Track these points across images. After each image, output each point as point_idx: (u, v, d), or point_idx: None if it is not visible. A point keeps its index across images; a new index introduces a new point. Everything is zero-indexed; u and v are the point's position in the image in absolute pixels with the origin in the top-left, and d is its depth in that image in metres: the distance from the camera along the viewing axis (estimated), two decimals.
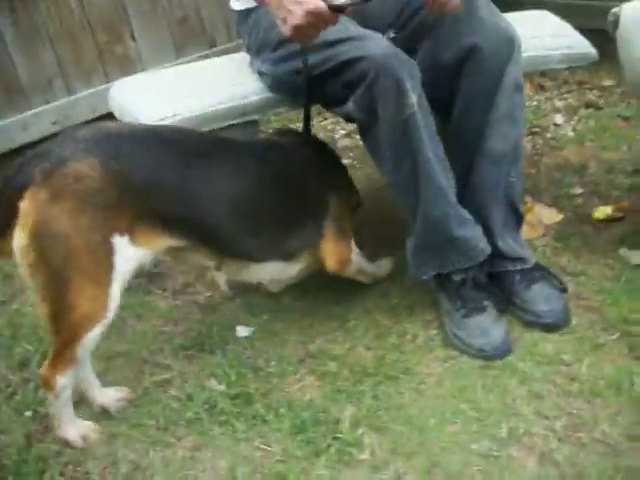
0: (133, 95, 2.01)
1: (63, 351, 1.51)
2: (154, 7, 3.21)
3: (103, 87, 3.02)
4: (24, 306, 2.18)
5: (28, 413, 1.76)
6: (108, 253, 1.45)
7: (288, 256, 1.79)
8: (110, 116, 2.81)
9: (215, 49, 3.36)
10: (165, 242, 1.56)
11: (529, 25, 2.10)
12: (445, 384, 1.69)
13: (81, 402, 1.74)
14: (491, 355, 1.73)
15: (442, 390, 1.67)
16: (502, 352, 1.74)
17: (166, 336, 1.98)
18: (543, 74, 3.25)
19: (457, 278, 1.82)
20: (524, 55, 1.80)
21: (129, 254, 1.49)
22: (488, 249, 1.81)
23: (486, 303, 1.81)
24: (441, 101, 1.81)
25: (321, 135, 2.97)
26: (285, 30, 1.52)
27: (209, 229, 1.60)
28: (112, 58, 3.12)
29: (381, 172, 1.82)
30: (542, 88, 3.30)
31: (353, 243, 1.90)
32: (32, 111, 2.92)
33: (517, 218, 1.90)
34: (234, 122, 1.87)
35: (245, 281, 1.84)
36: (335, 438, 1.56)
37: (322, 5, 1.47)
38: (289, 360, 1.82)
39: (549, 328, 1.80)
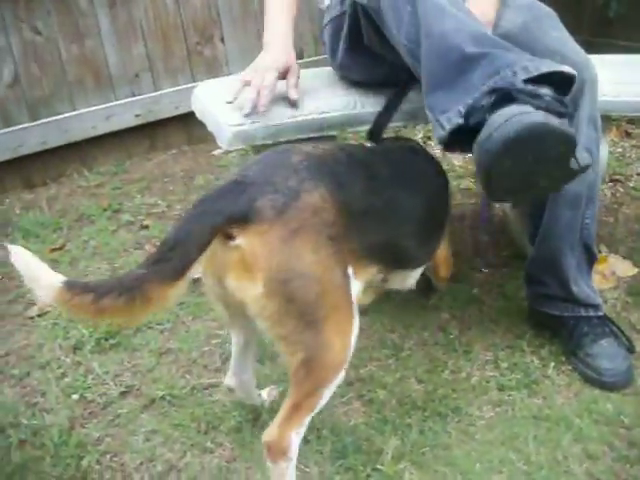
0: (216, 97, 2.02)
1: (304, 403, 1.32)
2: (245, 12, 3.27)
3: (188, 86, 3.09)
4: None
5: (75, 396, 1.79)
6: (348, 287, 1.33)
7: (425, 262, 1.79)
8: (192, 115, 2.87)
9: (301, 61, 3.37)
10: (370, 271, 1.46)
11: (620, 68, 2.03)
12: (495, 430, 1.62)
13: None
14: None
15: (491, 435, 1.61)
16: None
17: (219, 340, 1.97)
18: (631, 121, 3.15)
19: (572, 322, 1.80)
20: (611, 99, 1.73)
21: (354, 288, 1.37)
22: (540, 68, 1.34)
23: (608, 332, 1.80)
24: None
25: None
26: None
27: (402, 249, 1.55)
28: (200, 59, 3.19)
29: (401, 52, 1.58)
30: (628, 135, 3.19)
31: None
32: (117, 102, 3.01)
33: (591, 261, 1.82)
34: (312, 135, 1.86)
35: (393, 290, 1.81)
36: (375, 469, 1.52)
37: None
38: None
39: (609, 387, 1.72)
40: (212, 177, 2.96)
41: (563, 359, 1.81)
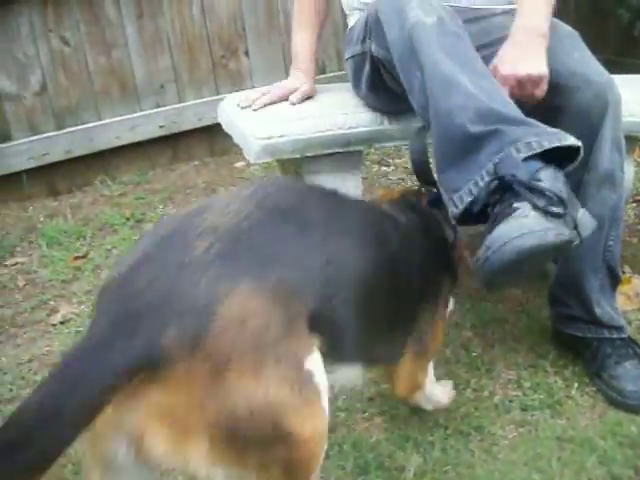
0: (243, 110, 2.04)
1: None
2: (270, 26, 3.29)
3: (212, 98, 3.12)
4: None
5: None
6: (311, 382, 1.05)
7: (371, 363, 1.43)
8: (216, 127, 2.89)
9: (324, 75, 3.40)
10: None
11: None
12: (518, 450, 1.60)
13: None
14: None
15: (514, 455, 1.59)
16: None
17: None
18: None
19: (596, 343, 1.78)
20: (637, 120, 1.71)
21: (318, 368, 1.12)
22: (544, 144, 1.34)
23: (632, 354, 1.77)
24: None
25: None
26: None
27: (348, 335, 1.21)
28: (224, 72, 3.21)
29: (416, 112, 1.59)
30: None
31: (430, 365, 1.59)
32: (142, 112, 3.04)
33: (615, 283, 1.80)
34: (339, 150, 1.87)
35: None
36: None
37: None
38: (359, 397, 1.78)
39: (633, 410, 1.70)
40: (234, 189, 2.97)
41: (587, 380, 1.79)
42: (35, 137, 2.86)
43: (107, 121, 2.97)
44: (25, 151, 2.84)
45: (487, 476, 1.54)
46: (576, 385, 1.78)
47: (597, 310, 1.77)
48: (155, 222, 2.71)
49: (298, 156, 1.86)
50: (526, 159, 1.33)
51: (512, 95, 1.49)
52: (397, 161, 3.18)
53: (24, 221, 2.80)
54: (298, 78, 1.99)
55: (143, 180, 3.09)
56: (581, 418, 1.69)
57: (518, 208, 1.30)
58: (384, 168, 3.14)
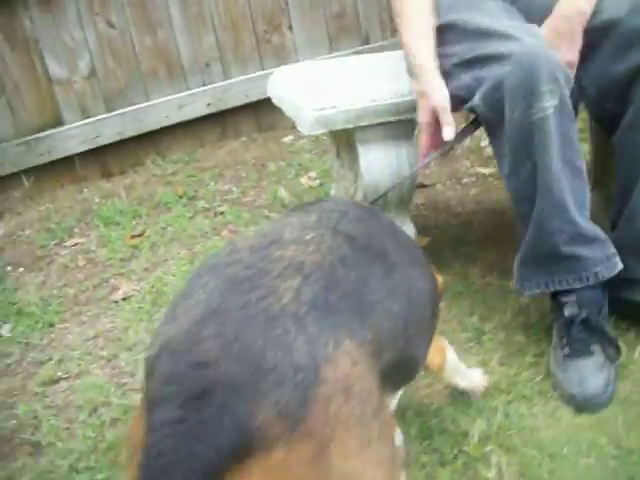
0: (293, 83, 2.05)
1: None
2: (313, 0, 3.27)
3: (257, 74, 3.14)
4: (166, 274, 2.29)
5: None
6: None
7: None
8: (262, 103, 2.90)
9: (368, 46, 3.37)
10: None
11: None
12: (583, 413, 1.60)
13: None
14: (580, 405, 1.61)
15: (579, 419, 1.59)
16: (593, 405, 1.60)
17: None
18: None
19: (567, 314, 1.69)
20: None
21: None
22: (605, 274, 1.66)
23: (593, 348, 1.67)
24: (609, 114, 1.72)
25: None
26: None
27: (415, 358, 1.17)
28: (269, 47, 3.21)
29: (500, 173, 1.73)
30: None
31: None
32: (189, 91, 3.06)
33: None
34: (391, 119, 1.86)
35: None
36: (461, 451, 1.52)
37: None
38: None
39: None
40: (283, 164, 2.98)
41: None
42: (87, 120, 2.91)
43: (155, 101, 3.00)
44: (77, 135, 2.90)
45: (552, 440, 1.54)
46: (639, 348, 1.76)
47: None
48: (209, 198, 2.75)
49: (351, 126, 1.86)
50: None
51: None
52: None
53: (80, 203, 2.87)
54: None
55: (192, 158, 3.12)
56: None
57: (594, 352, 1.66)
58: None
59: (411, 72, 1.73)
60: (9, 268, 2.51)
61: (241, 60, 3.15)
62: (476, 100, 1.65)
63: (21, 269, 2.49)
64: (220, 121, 3.18)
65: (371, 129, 1.88)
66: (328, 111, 1.82)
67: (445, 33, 1.74)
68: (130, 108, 2.97)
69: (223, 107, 3.12)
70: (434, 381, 1.74)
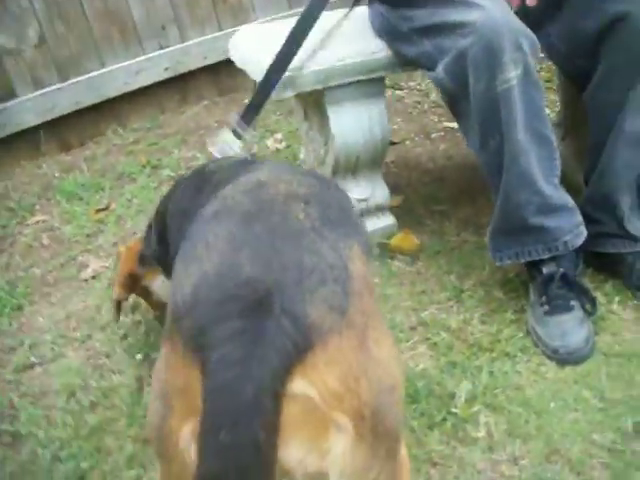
0: (255, 45, 1.97)
1: None
2: None
3: (215, 35, 3.02)
4: None
5: (139, 356, 1.80)
6: None
7: None
8: (222, 65, 2.81)
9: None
10: None
11: None
12: (566, 368, 1.61)
13: None
14: (563, 359, 1.62)
15: (563, 374, 1.60)
16: (576, 358, 1.62)
17: None
18: None
19: (546, 271, 1.70)
20: None
21: None
22: (575, 243, 1.67)
23: (573, 303, 1.68)
24: (579, 70, 1.70)
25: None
26: None
27: None
28: (225, 7, 3.10)
29: (468, 146, 1.73)
30: None
31: None
32: (145, 56, 2.95)
33: None
34: (361, 78, 1.81)
35: None
36: (450, 413, 1.52)
37: None
38: (401, 327, 1.78)
39: None
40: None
41: (628, 294, 1.77)
42: (40, 91, 2.77)
43: (111, 68, 2.86)
44: (31, 107, 2.76)
45: (538, 396, 1.55)
46: (617, 299, 1.77)
47: (628, 226, 1.75)
48: (173, 166, 2.67)
49: (320, 87, 1.80)
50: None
51: None
52: (410, 84, 3.09)
53: (39, 178, 2.76)
54: None
55: (154, 125, 3.01)
56: (626, 332, 1.69)
57: (573, 307, 1.67)
58: (398, 92, 3.05)
59: None
60: None
61: (198, 21, 3.02)
62: (440, 72, 1.63)
63: None
64: (180, 86, 3.06)
65: (341, 89, 1.83)
66: (295, 72, 1.76)
67: None
68: (85, 76, 2.83)
69: (182, 70, 3.00)
70: (417, 343, 1.73)
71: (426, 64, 1.70)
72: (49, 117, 2.81)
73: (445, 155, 2.51)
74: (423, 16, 1.65)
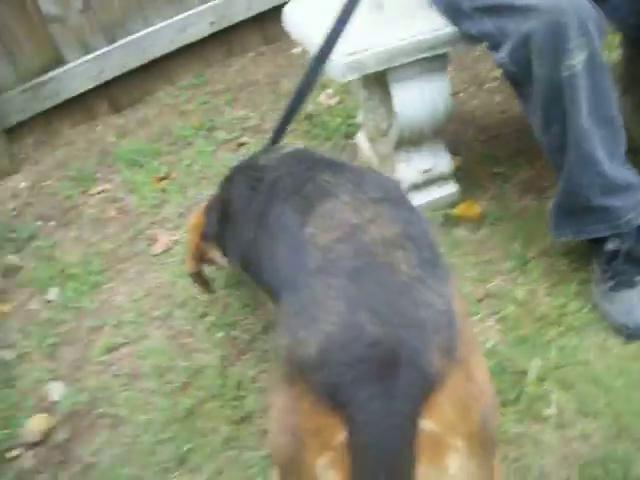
0: (313, 21, 1.94)
1: None
2: None
3: None
4: None
5: (220, 334, 1.89)
6: None
7: None
8: (266, 14, 2.75)
9: None
10: None
11: None
12: (633, 344, 1.65)
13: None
14: (630, 335, 1.66)
15: (629, 350, 1.64)
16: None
17: None
18: None
19: (610, 248, 1.72)
20: None
21: None
22: (637, 221, 1.68)
23: (637, 279, 1.70)
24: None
25: None
26: None
27: None
28: None
29: (530, 124, 1.72)
30: None
31: None
32: (189, 12, 2.91)
33: None
34: (424, 56, 1.79)
35: None
36: (523, 391, 1.59)
37: None
38: (469, 299, 1.83)
39: None
40: (298, 80, 2.86)
41: None
42: (89, 56, 2.79)
43: (156, 27, 2.86)
44: (81, 73, 2.78)
45: (605, 373, 1.60)
46: None
47: None
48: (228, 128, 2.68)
49: (384, 68, 1.80)
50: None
51: None
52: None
53: (95, 144, 2.81)
54: None
55: (202, 81, 3.02)
56: None
57: (638, 283, 1.70)
58: None
59: None
60: (39, 223, 2.50)
61: None
62: (504, 57, 1.61)
63: (52, 223, 2.49)
64: (225, 39, 3.04)
65: (403, 68, 1.82)
66: (360, 55, 1.76)
67: None
68: (131, 37, 2.84)
69: (227, 24, 2.97)
70: (485, 317, 1.80)
71: (489, 43, 1.68)
72: (99, 81, 2.83)
73: (500, 109, 2.49)
74: None
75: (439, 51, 1.80)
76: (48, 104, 2.76)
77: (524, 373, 1.63)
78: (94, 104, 2.88)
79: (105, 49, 2.81)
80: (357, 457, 0.88)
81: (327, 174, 1.29)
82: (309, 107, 2.63)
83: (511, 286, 1.86)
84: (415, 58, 1.79)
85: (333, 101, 2.71)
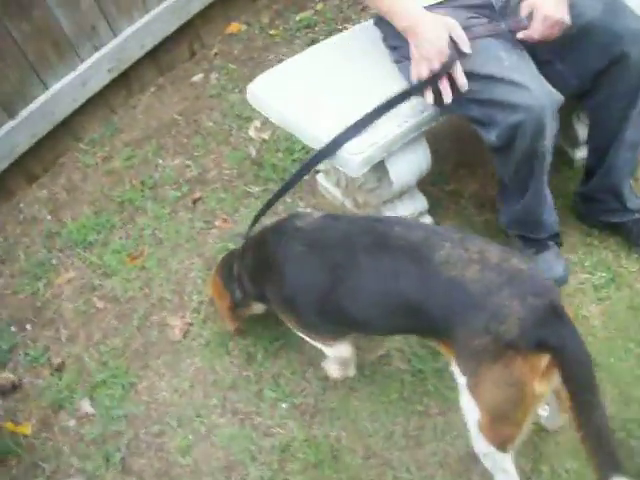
0: (280, 96, 2.13)
1: None
2: None
3: (145, 21, 2.86)
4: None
5: (284, 405, 2.06)
6: None
7: None
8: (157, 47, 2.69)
9: None
10: None
11: None
12: (607, 325, 2.06)
13: None
14: (555, 284, 1.91)
15: (606, 332, 2.03)
16: (562, 282, 2.15)
17: None
18: None
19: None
20: None
21: None
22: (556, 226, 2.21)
23: (550, 243, 2.21)
24: (583, 93, 2.08)
25: None
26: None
27: None
28: None
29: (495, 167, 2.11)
30: None
31: None
32: (85, 64, 2.77)
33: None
34: (415, 135, 2.04)
35: None
36: None
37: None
38: None
39: None
40: (216, 114, 2.88)
41: (631, 252, 2.23)
42: None
43: (55, 88, 2.69)
44: None
45: (596, 354, 1.77)
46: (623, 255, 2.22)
47: (629, 204, 2.25)
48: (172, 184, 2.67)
49: (386, 154, 2.02)
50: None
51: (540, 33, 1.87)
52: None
53: (31, 225, 2.65)
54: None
55: (112, 130, 2.91)
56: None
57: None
58: None
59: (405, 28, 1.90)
60: (13, 329, 2.38)
61: (125, 11, 2.82)
62: (492, 139, 1.93)
63: (28, 326, 2.38)
64: (122, 81, 2.93)
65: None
66: (369, 151, 1.96)
67: None
68: (33, 106, 2.65)
69: (124, 67, 2.85)
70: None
71: (475, 125, 1.98)
72: (12, 158, 2.65)
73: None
74: (475, 91, 1.89)
75: (427, 127, 2.05)
76: None
77: None
78: (9, 180, 2.70)
79: (10, 125, 2.61)
80: (568, 367, 1.45)
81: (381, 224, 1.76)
82: (249, 149, 2.72)
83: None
84: (409, 139, 2.03)
85: (266, 135, 2.77)
